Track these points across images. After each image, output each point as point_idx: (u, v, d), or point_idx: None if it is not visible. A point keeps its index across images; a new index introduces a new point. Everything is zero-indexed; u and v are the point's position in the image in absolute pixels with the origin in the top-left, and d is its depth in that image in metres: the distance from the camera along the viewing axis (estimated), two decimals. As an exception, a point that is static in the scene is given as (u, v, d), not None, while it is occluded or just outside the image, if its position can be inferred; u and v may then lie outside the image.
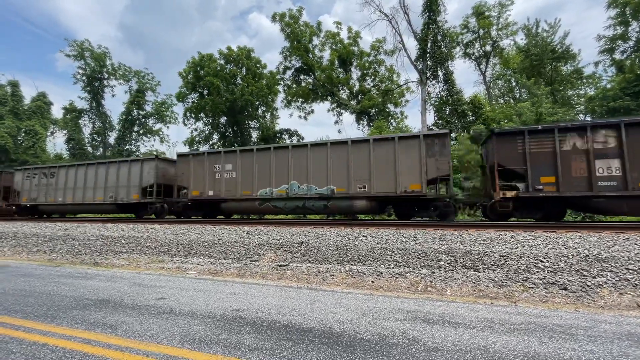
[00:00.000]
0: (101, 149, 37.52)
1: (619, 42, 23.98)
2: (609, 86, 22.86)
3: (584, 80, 27.49)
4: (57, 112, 44.35)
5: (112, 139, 38.21)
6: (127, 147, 37.25)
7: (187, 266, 7.07)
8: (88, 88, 37.18)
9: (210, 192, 13.29)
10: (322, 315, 3.77)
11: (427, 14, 23.56)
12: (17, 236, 10.63)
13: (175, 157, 15.09)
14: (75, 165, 17.15)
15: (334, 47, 31.40)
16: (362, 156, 11.08)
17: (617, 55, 24.33)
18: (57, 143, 75.05)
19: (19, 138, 34.85)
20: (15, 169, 19.53)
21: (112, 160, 16.35)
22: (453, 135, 21.79)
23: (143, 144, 38.59)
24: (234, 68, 32.52)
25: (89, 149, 36.96)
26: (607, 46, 24.61)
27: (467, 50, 29.75)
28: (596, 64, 26.21)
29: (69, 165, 17.29)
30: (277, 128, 35.31)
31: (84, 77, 36.93)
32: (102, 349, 2.88)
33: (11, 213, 19.17)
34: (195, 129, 34.24)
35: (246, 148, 13.29)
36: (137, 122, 38.09)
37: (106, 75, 37.99)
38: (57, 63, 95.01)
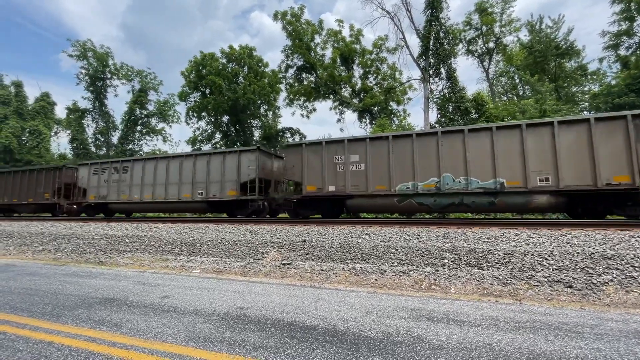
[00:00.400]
0: (104, 149, 37.72)
1: (624, 38, 23.77)
2: (613, 82, 22.69)
3: (589, 77, 27.28)
4: (60, 112, 44.62)
5: (115, 138, 38.45)
6: (130, 146, 37.42)
7: (191, 265, 7.09)
8: (91, 88, 37.37)
9: (332, 188, 11.41)
10: (326, 314, 3.77)
11: (430, 11, 23.40)
12: (22, 235, 10.71)
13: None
14: (154, 158, 15.18)
15: (335, 45, 31.31)
16: (542, 142, 9.31)
17: (622, 51, 24.12)
18: (60, 143, 75.71)
19: (23, 138, 35.08)
20: (80, 164, 17.48)
21: (201, 152, 14.36)
22: None
23: (146, 144, 38.83)
24: (236, 67, 32.53)
25: (93, 149, 37.16)
26: (611, 42, 24.40)
27: (470, 47, 29.60)
28: (601, 60, 26.05)
29: (146, 159, 15.40)
30: (280, 127, 35.35)
31: (86, 77, 37.12)
32: (108, 347, 2.90)
33: (73, 212, 17.35)
34: (198, 128, 34.36)
35: (378, 135, 11.49)
36: (140, 121, 38.25)
37: (109, 75, 38.18)
38: (61, 63, 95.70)
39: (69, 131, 36.96)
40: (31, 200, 18.00)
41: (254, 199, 12.71)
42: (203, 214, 16.11)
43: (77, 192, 17.01)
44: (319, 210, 12.30)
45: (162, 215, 18.17)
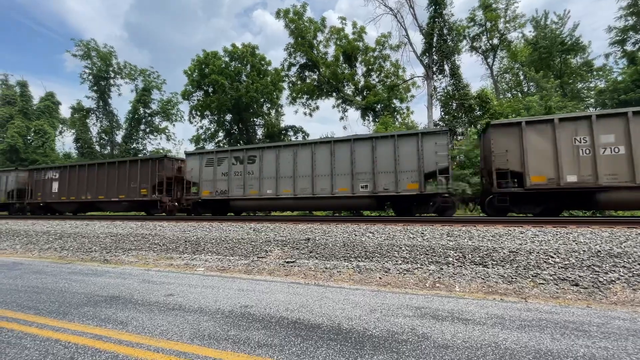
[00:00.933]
0: (109, 148, 37.96)
1: (631, 33, 23.48)
2: (620, 78, 22.43)
3: (594, 73, 26.99)
4: (65, 111, 44.93)
5: (119, 137, 38.67)
6: (134, 145, 37.63)
7: (195, 263, 7.12)
8: (95, 87, 37.59)
9: (572, 178, 9.16)
10: (330, 312, 3.77)
11: (433, 7, 23.24)
12: (28, 234, 10.82)
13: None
14: (291, 145, 12.83)
15: (338, 42, 31.19)
16: None
17: (629, 47, 23.82)
18: (65, 142, 76.33)
19: (29, 137, 35.42)
20: (188, 154, 14.87)
21: (362, 136, 11.90)
22: (460, 130, 21.51)
23: (150, 142, 39.03)
24: (239, 65, 32.55)
25: (97, 148, 37.42)
26: (618, 37, 24.11)
27: (474, 43, 29.34)
28: (607, 55, 25.73)
29: (281, 146, 12.98)
30: (282, 125, 35.36)
31: (90, 77, 37.33)
32: (113, 344, 2.92)
33: (174, 211, 14.87)
34: (201, 127, 34.46)
35: None
36: (144, 120, 38.44)
37: (112, 74, 38.37)
38: (66, 63, 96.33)
39: (73, 130, 37.25)
40: (123, 196, 15.56)
41: (444, 192, 10.33)
42: (365, 210, 13.55)
43: (183, 186, 14.50)
44: (547, 206, 9.92)
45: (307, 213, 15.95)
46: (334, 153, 11.83)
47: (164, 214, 14.90)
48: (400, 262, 6.01)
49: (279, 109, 36.24)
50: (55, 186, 17.93)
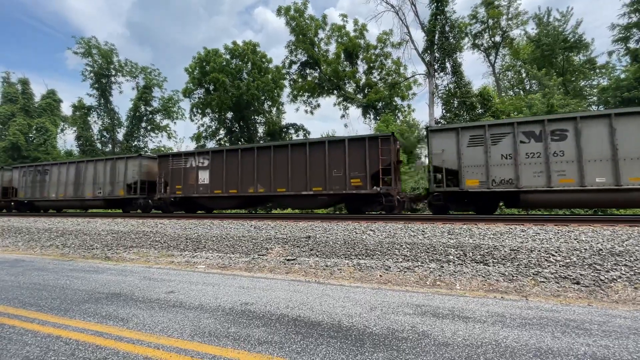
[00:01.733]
0: (110, 146, 38.00)
1: (634, 30, 23.28)
2: (623, 76, 22.29)
3: (597, 71, 26.82)
4: (67, 109, 44.96)
5: (120, 135, 38.66)
6: (136, 143, 37.63)
7: (196, 260, 7.13)
8: (96, 85, 37.53)
9: None
10: (330, 309, 3.77)
11: (435, 4, 23.09)
12: (30, 231, 10.86)
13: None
14: (589, 116, 9.15)
15: (339, 40, 31.08)
16: None
17: (632, 44, 23.65)
18: (67, 140, 76.43)
19: (30, 135, 35.48)
20: (432, 129, 10.96)
21: None
22: None
23: (151, 140, 39.02)
24: (240, 63, 32.46)
25: (99, 146, 37.45)
26: (621, 35, 23.93)
27: (476, 41, 29.19)
28: (610, 53, 25.55)
29: (620, 114, 8.89)
30: (283, 123, 35.29)
31: (91, 74, 37.27)
32: (114, 341, 2.92)
33: (396, 208, 11.12)
34: (202, 125, 34.41)
35: None
36: (145, 118, 38.41)
37: (113, 72, 38.28)
38: (67, 61, 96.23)
39: (74, 128, 37.26)
40: (319, 189, 11.71)
41: None
42: None
43: (444, 175, 10.41)
44: None
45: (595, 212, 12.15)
46: None
47: (382, 212, 11.11)
48: (400, 260, 6.01)
49: (280, 107, 36.16)
50: (203, 176, 14.05)
